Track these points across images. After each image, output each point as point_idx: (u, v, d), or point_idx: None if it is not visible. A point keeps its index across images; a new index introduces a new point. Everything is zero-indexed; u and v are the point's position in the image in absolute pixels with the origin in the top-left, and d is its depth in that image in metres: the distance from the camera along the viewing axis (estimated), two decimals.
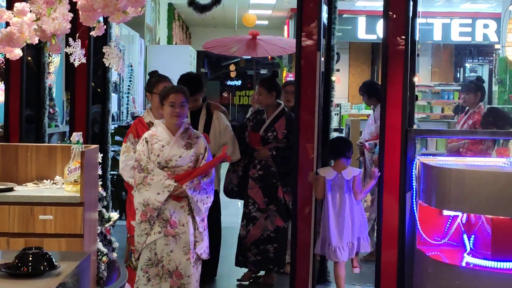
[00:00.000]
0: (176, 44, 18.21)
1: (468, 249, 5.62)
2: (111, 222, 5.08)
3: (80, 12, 3.86)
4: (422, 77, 20.64)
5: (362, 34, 17.87)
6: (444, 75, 20.65)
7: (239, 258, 6.80)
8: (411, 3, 5.91)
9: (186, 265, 5.13)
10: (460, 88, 15.75)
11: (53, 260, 2.82)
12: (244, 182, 6.85)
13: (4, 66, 6.59)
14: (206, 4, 6.84)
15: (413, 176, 5.77)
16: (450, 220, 5.77)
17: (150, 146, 5.20)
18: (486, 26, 17.87)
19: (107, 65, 4.14)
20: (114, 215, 5.25)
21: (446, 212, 5.70)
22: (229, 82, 27.34)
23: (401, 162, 5.82)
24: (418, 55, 6.22)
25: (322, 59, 6.10)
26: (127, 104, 12.31)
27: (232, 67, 23.68)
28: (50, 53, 6.49)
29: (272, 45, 8.09)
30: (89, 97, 6.60)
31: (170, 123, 5.27)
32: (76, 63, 4.01)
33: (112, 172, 7.50)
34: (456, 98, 15.76)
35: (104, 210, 4.95)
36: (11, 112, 6.37)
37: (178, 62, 14.35)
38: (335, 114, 16.52)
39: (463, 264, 5.40)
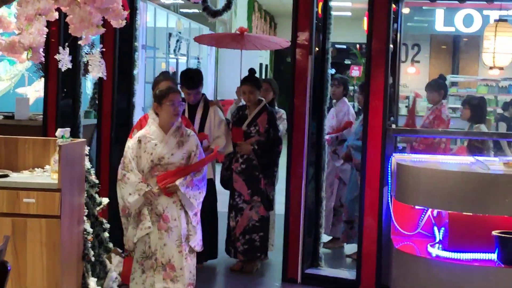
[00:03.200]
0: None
1: (437, 240, 6.09)
2: (102, 206, 5.79)
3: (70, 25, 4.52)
4: (509, 69, 20.52)
5: (440, 26, 17.91)
6: None
7: (230, 248, 7.15)
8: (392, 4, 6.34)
9: (179, 258, 5.39)
10: None
11: None
12: (229, 175, 7.21)
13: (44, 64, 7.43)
14: (218, 10, 7.50)
15: (389, 172, 6.25)
16: (424, 213, 6.24)
17: (143, 145, 5.42)
18: None
19: (90, 71, 4.78)
20: (105, 200, 5.93)
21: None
22: None
23: (381, 159, 6.31)
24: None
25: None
26: None
27: None
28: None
29: (261, 40, 8.50)
30: (114, 92, 7.27)
31: (167, 122, 5.45)
32: (63, 68, 4.62)
33: None
34: None
35: (96, 195, 5.67)
36: (49, 105, 7.25)
37: (248, 55, 14.98)
38: (405, 106, 16.82)
39: (429, 254, 5.86)
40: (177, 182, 5.37)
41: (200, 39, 9.08)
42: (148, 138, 5.44)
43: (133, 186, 5.37)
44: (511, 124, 11.92)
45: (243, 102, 7.40)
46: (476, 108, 7.54)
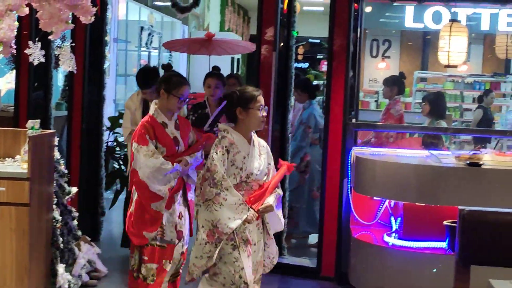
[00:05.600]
0: (229, 29, 19.09)
1: (394, 230, 6.37)
2: (71, 195, 6.01)
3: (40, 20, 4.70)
4: (474, 66, 20.95)
5: (409, 23, 18.22)
6: (497, 64, 20.84)
7: None
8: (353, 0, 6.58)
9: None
10: (492, 78, 16.20)
11: None
12: None
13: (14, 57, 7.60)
14: (186, 6, 7.71)
15: (349, 164, 6.51)
16: (381, 204, 6.52)
17: (232, 157, 4.58)
18: None
19: (60, 65, 4.97)
20: (74, 189, 6.15)
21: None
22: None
23: (342, 152, 6.57)
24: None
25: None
26: None
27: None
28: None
29: (229, 44, 8.28)
30: (85, 85, 7.46)
31: (250, 130, 4.68)
32: (35, 62, 4.79)
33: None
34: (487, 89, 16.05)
35: (65, 185, 5.90)
36: (21, 97, 7.44)
37: None
38: (375, 101, 17.13)
39: (385, 243, 6.14)
40: (271, 202, 4.64)
41: (169, 46, 8.96)
42: (235, 149, 4.61)
43: (233, 208, 4.48)
44: (487, 112, 12.29)
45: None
46: (434, 103, 7.75)
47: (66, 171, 5.94)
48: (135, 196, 5.10)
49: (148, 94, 6.72)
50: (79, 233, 6.04)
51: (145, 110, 6.76)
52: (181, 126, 5.25)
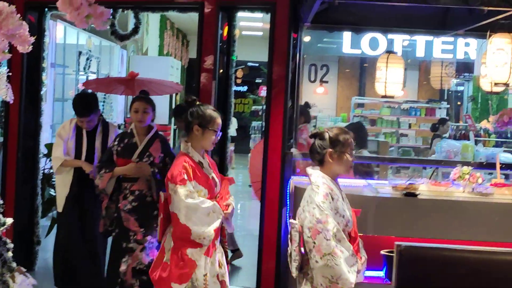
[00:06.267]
0: (168, 53, 19.05)
1: None
2: (6, 226, 5.87)
3: None
4: (409, 92, 21.34)
5: (347, 48, 18.47)
6: (432, 90, 21.28)
7: None
8: (292, 30, 6.65)
9: None
10: (428, 105, 16.55)
11: None
12: (114, 218, 6.13)
13: None
14: (125, 34, 7.69)
15: (288, 193, 6.54)
16: None
17: (334, 204, 4.32)
18: (467, 44, 18.42)
19: None
20: (9, 220, 6.01)
21: None
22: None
23: (280, 181, 6.60)
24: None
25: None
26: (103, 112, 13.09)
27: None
28: None
29: (154, 84, 7.43)
30: (21, 112, 7.34)
31: (337, 174, 4.50)
32: None
33: None
34: (422, 115, 16.40)
35: (0, 216, 5.76)
36: None
37: (159, 73, 15.19)
38: (313, 126, 17.29)
39: None
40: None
41: (89, 86, 7.97)
42: (335, 195, 4.36)
43: (350, 260, 4.25)
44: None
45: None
46: (355, 133, 7.81)
47: (1, 201, 5.81)
48: (169, 245, 4.76)
49: (85, 123, 6.52)
50: (14, 264, 5.90)
51: (78, 140, 6.59)
52: (212, 165, 4.97)
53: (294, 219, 4.35)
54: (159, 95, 7.40)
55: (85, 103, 6.58)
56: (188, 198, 4.60)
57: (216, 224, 4.69)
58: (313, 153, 4.46)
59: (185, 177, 4.64)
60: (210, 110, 4.88)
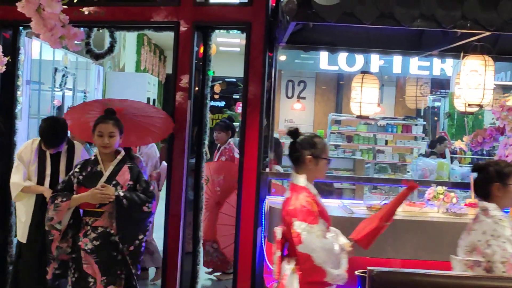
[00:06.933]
0: (145, 69, 19.03)
1: None
2: None
3: None
4: (386, 108, 21.48)
5: (324, 65, 18.58)
6: (408, 106, 21.40)
7: None
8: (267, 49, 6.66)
9: None
10: (404, 121, 16.65)
11: None
12: (72, 258, 5.42)
13: None
14: (100, 52, 7.66)
15: (263, 213, 6.53)
16: None
17: None
18: (443, 61, 18.58)
19: None
20: None
21: None
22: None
23: (256, 201, 6.59)
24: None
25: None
26: None
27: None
28: None
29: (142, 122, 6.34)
30: None
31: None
32: None
33: None
34: (399, 132, 16.50)
35: None
36: None
37: (136, 89, 15.20)
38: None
39: None
40: None
41: (67, 115, 6.70)
42: None
43: None
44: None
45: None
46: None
47: None
48: (291, 285, 4.39)
49: (53, 149, 6.16)
50: None
51: (41, 163, 6.18)
52: None
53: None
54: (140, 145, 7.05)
55: (54, 132, 6.11)
56: (322, 238, 4.31)
57: (345, 264, 4.43)
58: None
59: (314, 213, 4.34)
60: (318, 138, 4.58)
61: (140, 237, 5.34)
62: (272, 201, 6.49)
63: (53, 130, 6.11)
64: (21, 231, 6.28)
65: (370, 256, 5.77)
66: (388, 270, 3.45)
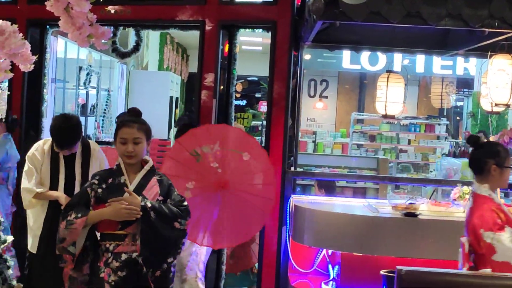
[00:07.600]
0: (168, 67, 19.07)
1: (331, 278, 6.41)
2: (6, 244, 5.86)
3: None
4: (409, 107, 21.36)
5: (346, 64, 18.52)
6: (431, 106, 21.29)
7: None
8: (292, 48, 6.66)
9: None
10: (427, 121, 16.57)
11: None
12: None
13: None
14: (127, 51, 7.70)
15: (288, 213, 6.54)
16: (319, 252, 6.56)
17: None
18: (467, 60, 18.46)
19: None
20: (10, 237, 5.99)
21: None
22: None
23: (281, 200, 6.59)
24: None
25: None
26: (95, 128, 13.08)
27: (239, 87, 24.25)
28: None
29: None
30: (22, 128, 7.34)
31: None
32: None
33: None
34: (422, 131, 16.42)
35: (1, 233, 5.75)
36: None
37: (159, 88, 15.23)
38: (312, 141, 17.29)
39: None
40: None
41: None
42: None
43: None
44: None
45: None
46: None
47: (2, 219, 5.80)
48: None
49: (67, 150, 5.64)
50: (14, 282, 5.89)
51: (54, 166, 5.67)
52: None
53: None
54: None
55: (68, 132, 5.57)
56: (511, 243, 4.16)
57: None
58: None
59: (499, 221, 4.20)
60: (500, 146, 4.50)
61: (170, 260, 4.28)
62: (297, 200, 6.49)
63: (64, 129, 5.55)
64: (32, 241, 5.86)
65: (395, 256, 5.77)
66: (417, 269, 3.45)
